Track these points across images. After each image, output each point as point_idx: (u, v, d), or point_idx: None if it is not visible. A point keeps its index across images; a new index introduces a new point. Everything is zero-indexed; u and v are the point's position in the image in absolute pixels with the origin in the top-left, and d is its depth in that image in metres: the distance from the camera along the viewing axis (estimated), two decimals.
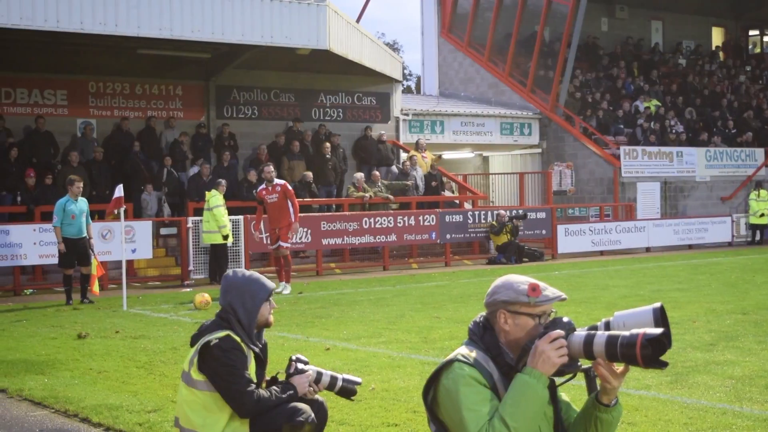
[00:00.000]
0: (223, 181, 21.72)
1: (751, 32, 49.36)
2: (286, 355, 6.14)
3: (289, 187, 19.39)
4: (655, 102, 37.43)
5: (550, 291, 3.90)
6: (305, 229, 23.17)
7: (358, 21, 34.63)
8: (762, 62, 46.86)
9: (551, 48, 35.77)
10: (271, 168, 19.43)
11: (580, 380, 3.92)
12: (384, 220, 24.75)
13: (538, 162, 35.10)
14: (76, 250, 17.66)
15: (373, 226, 24.51)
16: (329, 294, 18.87)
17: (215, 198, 20.99)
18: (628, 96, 37.77)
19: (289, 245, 19.38)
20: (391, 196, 26.11)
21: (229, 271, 5.98)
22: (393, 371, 10.04)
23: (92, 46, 23.82)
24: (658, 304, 3.69)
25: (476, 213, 26.92)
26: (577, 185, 33.25)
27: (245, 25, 22.64)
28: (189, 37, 22.16)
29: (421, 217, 25.42)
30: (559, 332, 3.72)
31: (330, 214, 24.82)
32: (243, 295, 5.77)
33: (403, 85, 35.44)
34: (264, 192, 19.18)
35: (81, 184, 17.93)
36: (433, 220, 25.53)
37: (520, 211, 27.38)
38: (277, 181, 19.28)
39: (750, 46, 49.02)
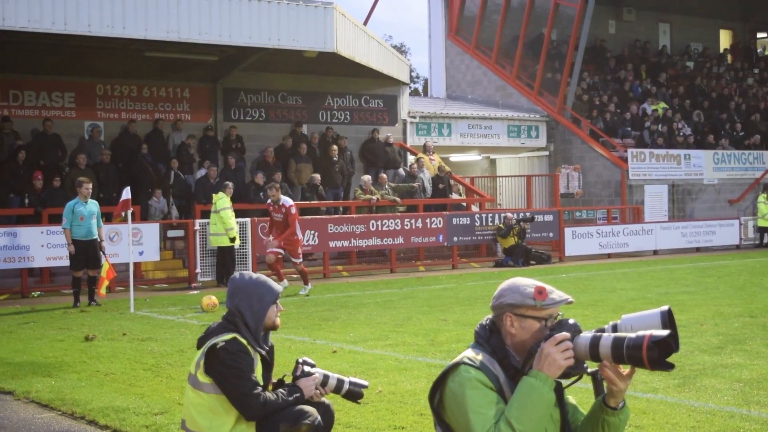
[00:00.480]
0: (230, 184, 21.74)
1: (760, 35, 49.25)
2: (293, 358, 6.14)
3: (293, 211, 18.98)
4: (662, 105, 37.40)
5: (556, 294, 3.89)
6: (313, 232, 23.21)
7: (365, 23, 34.65)
8: None
9: (558, 50, 35.78)
10: (274, 191, 18.96)
11: (587, 383, 3.91)
12: (391, 223, 24.75)
13: (546, 164, 35.07)
14: (85, 252, 17.67)
15: (380, 228, 24.52)
16: (336, 296, 18.88)
17: (222, 200, 21.00)
18: (636, 98, 37.73)
19: (300, 260, 19.43)
20: (398, 199, 26.09)
21: (236, 274, 5.99)
22: (400, 374, 10.03)
23: (100, 49, 23.87)
24: (665, 307, 3.68)
25: (483, 216, 26.91)
26: (585, 188, 33.21)
27: (252, 28, 22.64)
28: (196, 39, 22.15)
29: (428, 220, 25.42)
30: (565, 334, 3.72)
31: (337, 216, 24.80)
32: (250, 297, 5.76)
33: (410, 87, 35.41)
34: (271, 209, 19.15)
35: (90, 186, 17.96)
36: (440, 223, 25.53)
37: (528, 214, 27.36)
38: (283, 200, 18.98)
39: (759, 49, 48.90)
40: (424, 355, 11.30)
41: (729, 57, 46.04)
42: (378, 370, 10.22)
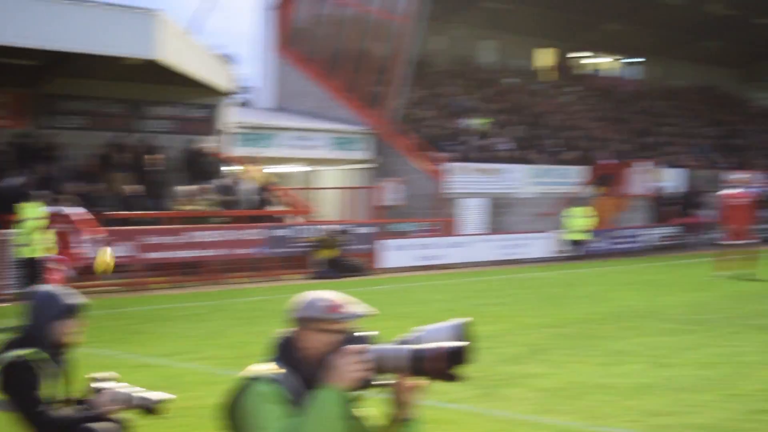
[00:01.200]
0: (42, 193, 20.96)
1: (577, 54, 51.15)
2: (95, 372, 5.98)
3: (75, 216, 17.94)
4: (484, 120, 38.29)
5: (352, 308, 3.91)
6: (128, 243, 22.70)
7: (192, 32, 34.23)
8: (587, 83, 48.61)
9: (385, 64, 36.16)
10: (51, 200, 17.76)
11: (382, 394, 3.94)
12: (210, 234, 24.47)
13: (368, 177, 35.36)
14: None
15: (198, 239, 24.19)
16: (149, 309, 18.49)
17: (31, 210, 20.23)
18: (458, 113, 38.50)
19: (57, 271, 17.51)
20: (217, 210, 25.79)
21: (33, 288, 5.83)
22: (206, 388, 9.92)
23: None
24: (462, 320, 3.75)
25: (303, 227, 26.93)
26: (406, 201, 33.61)
27: (71, 33, 22.02)
28: (12, 43, 21.37)
29: (247, 231, 25.25)
30: (358, 347, 3.74)
31: (154, 227, 24.26)
32: (44, 312, 5.62)
33: (236, 98, 35.15)
34: (53, 219, 17.80)
35: None
36: (259, 234, 25.40)
37: (346, 226, 27.54)
38: (62, 209, 17.79)
39: (575, 67, 50.72)
40: (232, 368, 11.19)
41: (548, 75, 47.58)
42: (184, 384, 10.09)
